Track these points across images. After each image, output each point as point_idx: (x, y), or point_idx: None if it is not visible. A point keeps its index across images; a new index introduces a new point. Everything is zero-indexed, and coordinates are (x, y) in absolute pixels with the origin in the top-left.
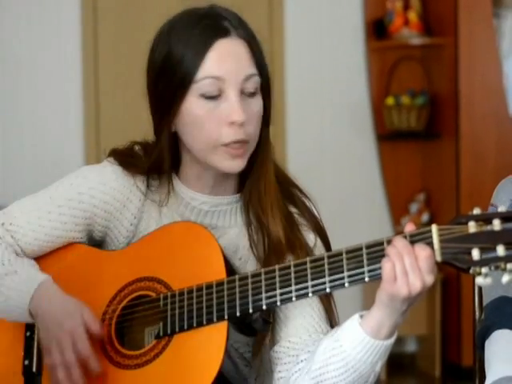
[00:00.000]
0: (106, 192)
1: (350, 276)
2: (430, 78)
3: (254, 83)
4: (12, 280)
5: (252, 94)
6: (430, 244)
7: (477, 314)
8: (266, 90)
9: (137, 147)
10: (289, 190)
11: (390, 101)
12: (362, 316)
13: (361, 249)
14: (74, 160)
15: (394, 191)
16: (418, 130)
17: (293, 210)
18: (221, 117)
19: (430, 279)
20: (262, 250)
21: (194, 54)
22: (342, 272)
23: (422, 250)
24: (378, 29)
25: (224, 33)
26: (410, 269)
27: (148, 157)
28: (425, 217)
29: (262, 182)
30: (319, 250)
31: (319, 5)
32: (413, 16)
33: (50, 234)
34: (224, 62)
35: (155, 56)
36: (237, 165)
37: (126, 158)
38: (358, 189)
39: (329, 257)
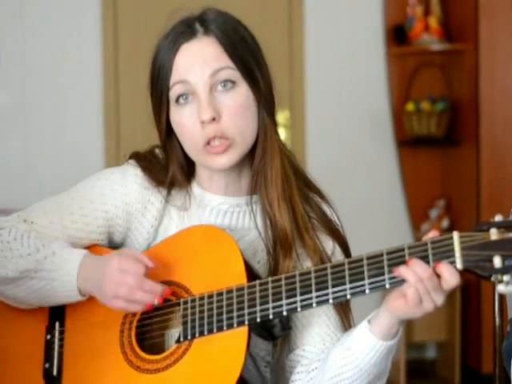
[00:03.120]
0: (127, 194)
1: (371, 283)
2: (450, 83)
3: (226, 76)
4: (52, 262)
5: (228, 88)
6: (452, 251)
7: (497, 320)
8: (252, 79)
9: (157, 150)
10: (307, 194)
11: (410, 107)
12: (369, 321)
13: (381, 255)
14: (95, 165)
15: (414, 197)
16: (438, 136)
17: (310, 214)
18: (195, 119)
19: (442, 299)
20: (271, 245)
21: (165, 63)
22: (363, 279)
23: (448, 274)
24: (398, 34)
25: (189, 35)
26: (432, 291)
27: (168, 163)
28: (445, 223)
29: (268, 173)
30: (338, 257)
31: (339, 10)
32: (433, 22)
33: (72, 235)
34: (188, 64)
35: (150, 70)
36: (223, 160)
37: (148, 165)
38: (378, 195)
39: (349, 263)
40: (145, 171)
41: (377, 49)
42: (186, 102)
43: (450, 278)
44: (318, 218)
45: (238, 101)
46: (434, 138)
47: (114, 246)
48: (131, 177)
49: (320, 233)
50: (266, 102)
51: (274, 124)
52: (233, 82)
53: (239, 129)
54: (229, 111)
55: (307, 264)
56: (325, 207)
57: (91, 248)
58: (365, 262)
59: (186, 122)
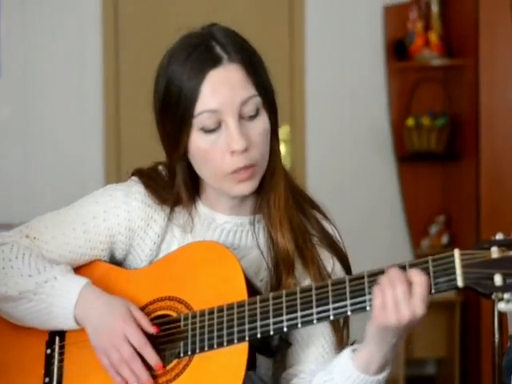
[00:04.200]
0: (130, 211)
1: (371, 299)
2: (450, 99)
3: (254, 104)
4: (52, 286)
5: (253, 116)
6: (453, 269)
7: (496, 336)
8: (271, 105)
9: (160, 167)
10: (306, 211)
11: (411, 122)
12: (354, 350)
13: (382, 272)
14: (95, 179)
15: (414, 213)
16: (439, 151)
17: (311, 231)
18: (223, 147)
19: (420, 308)
20: (273, 264)
21: (189, 90)
22: (364, 295)
23: (416, 276)
24: (398, 49)
25: (215, 62)
26: (401, 299)
27: (171, 180)
28: (444, 239)
29: (272, 195)
30: (338, 274)
31: (340, 25)
32: (433, 37)
33: (74, 251)
34: (218, 93)
35: (157, 91)
36: (246, 188)
37: (151, 183)
38: (377, 210)
39: (350, 280)
40: (148, 188)
41: (377, 63)
42: (213, 130)
43: (418, 278)
44: (318, 235)
45: (262, 128)
46: (434, 153)
47: (115, 261)
48: (134, 194)
49: (320, 250)
50: (275, 124)
51: (279, 145)
52: (257, 110)
53: (262, 156)
54: (256, 140)
55: (307, 282)
56: (325, 224)
57: (93, 264)
58: (366, 279)
59: (212, 149)
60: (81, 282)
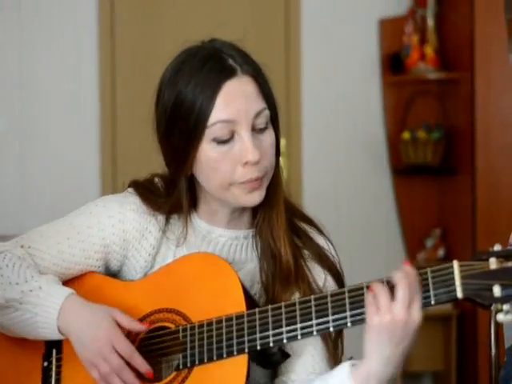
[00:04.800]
0: (125, 221)
1: None
2: (446, 112)
3: (265, 117)
4: (37, 296)
5: (264, 129)
6: (452, 280)
7: (493, 350)
8: (275, 120)
9: (156, 179)
10: (300, 226)
11: (406, 135)
12: (353, 365)
13: (382, 283)
14: (92, 189)
15: (410, 226)
16: (434, 164)
17: (302, 246)
18: (235, 158)
19: (416, 312)
20: (270, 279)
21: (204, 100)
22: (363, 307)
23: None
24: (394, 63)
25: (230, 73)
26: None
27: (167, 193)
28: (441, 252)
29: (275, 212)
30: (330, 288)
31: (336, 38)
32: (429, 50)
33: (68, 260)
34: (233, 104)
35: (163, 104)
36: (256, 197)
37: (147, 193)
38: (373, 223)
39: (350, 291)
40: (143, 199)
41: (373, 77)
42: (226, 140)
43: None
44: (308, 249)
45: (271, 141)
46: (430, 167)
47: (110, 273)
48: (129, 204)
49: (312, 265)
50: (278, 138)
51: (279, 159)
52: (267, 123)
53: (271, 168)
54: (266, 151)
55: (296, 296)
56: (319, 239)
57: (88, 275)
58: (365, 290)
59: (224, 159)
60: (65, 292)
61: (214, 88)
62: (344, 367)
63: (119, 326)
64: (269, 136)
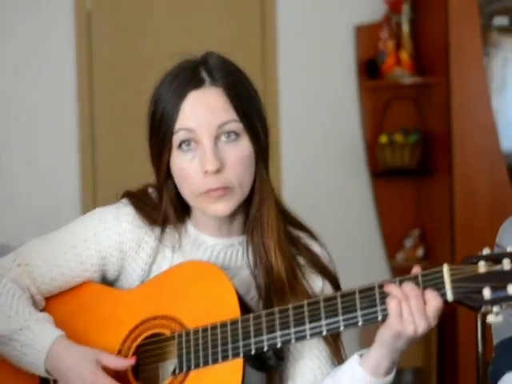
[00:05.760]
0: (121, 233)
1: (363, 314)
2: (422, 116)
3: (232, 128)
4: (26, 336)
5: (232, 140)
6: (442, 283)
7: (479, 347)
8: (255, 132)
9: (150, 190)
10: (294, 234)
11: (384, 139)
12: (361, 355)
13: (373, 288)
14: (71, 206)
15: (389, 227)
16: (412, 167)
17: (298, 256)
18: (197, 167)
19: (434, 322)
20: (264, 289)
21: (171, 108)
22: (356, 310)
23: (433, 299)
24: (370, 68)
25: (197, 84)
26: (416, 311)
27: (160, 203)
28: (420, 252)
29: (264, 222)
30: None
31: (311, 44)
32: (405, 56)
33: (66, 273)
34: (196, 113)
35: (147, 113)
36: (220, 208)
37: (141, 205)
38: (353, 225)
39: (342, 296)
40: (138, 210)
41: (349, 82)
42: (189, 149)
43: (434, 300)
44: (305, 258)
45: (241, 153)
46: (408, 169)
47: (107, 282)
48: (124, 216)
49: (308, 273)
50: (263, 152)
51: (268, 173)
52: (237, 134)
53: (239, 180)
54: (232, 163)
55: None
56: (313, 245)
57: (85, 285)
58: (357, 294)
59: (188, 168)
60: (53, 335)
61: (180, 96)
62: (353, 360)
63: (106, 367)
64: (238, 148)
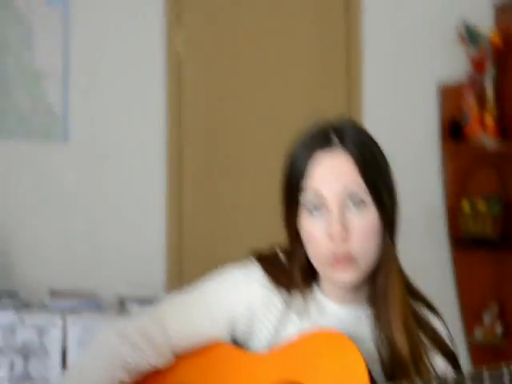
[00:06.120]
0: (251, 293)
1: None
2: (505, 183)
3: (359, 197)
4: None
5: (358, 208)
6: None
7: None
8: (380, 202)
9: (279, 251)
10: (417, 308)
11: (465, 205)
12: None
13: (502, 373)
14: (157, 255)
15: (468, 299)
16: (493, 237)
17: (423, 337)
18: (323, 230)
19: None
20: (388, 364)
21: (299, 165)
22: None
23: None
24: (453, 130)
25: (324, 145)
26: None
27: (288, 266)
28: (498, 328)
29: (389, 294)
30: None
31: (395, 104)
32: (489, 119)
33: (199, 332)
34: (321, 175)
35: (283, 166)
36: (343, 277)
37: (270, 267)
38: (430, 293)
39: (472, 378)
40: (267, 273)
41: (432, 143)
42: (317, 212)
43: None
44: (430, 339)
45: (367, 223)
46: (489, 240)
47: (235, 342)
48: (255, 276)
49: (432, 355)
50: (390, 224)
51: (395, 243)
52: (363, 203)
53: (364, 251)
54: (358, 232)
55: None
56: (435, 321)
57: (215, 345)
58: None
59: (314, 231)
60: None
61: (308, 156)
62: None
63: None
64: (365, 217)
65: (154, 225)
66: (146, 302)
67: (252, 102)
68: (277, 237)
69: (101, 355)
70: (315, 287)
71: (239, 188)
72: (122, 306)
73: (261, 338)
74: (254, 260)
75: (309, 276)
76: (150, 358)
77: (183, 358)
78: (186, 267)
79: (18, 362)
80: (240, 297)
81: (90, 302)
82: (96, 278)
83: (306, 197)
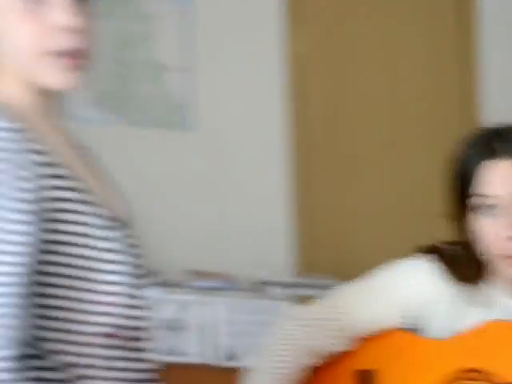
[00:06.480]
0: (424, 284)
1: None
2: None
3: None
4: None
5: None
6: None
7: None
8: None
9: (448, 248)
10: None
11: None
12: None
13: None
14: (280, 246)
15: None
16: None
17: None
18: (497, 231)
19: None
20: None
21: (464, 174)
22: None
23: None
24: None
25: (489, 155)
26: None
27: (460, 260)
28: None
29: None
30: None
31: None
32: None
33: (378, 319)
34: (494, 181)
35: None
36: None
37: (439, 260)
38: None
39: None
40: (439, 266)
41: None
42: (487, 214)
43: None
44: None
45: None
46: None
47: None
48: (427, 269)
49: None
50: None
51: None
52: None
53: None
54: None
55: None
56: None
57: (392, 332)
58: None
59: (489, 232)
60: None
61: (473, 164)
62: None
63: None
64: None
65: (282, 211)
66: (282, 285)
67: (373, 100)
68: (411, 226)
69: (287, 346)
70: (484, 280)
71: (364, 187)
72: (258, 288)
73: (433, 328)
74: (422, 254)
75: (478, 269)
76: (334, 345)
77: (363, 343)
78: (317, 253)
79: (163, 337)
80: (414, 288)
81: (228, 282)
82: (229, 261)
83: (474, 201)
